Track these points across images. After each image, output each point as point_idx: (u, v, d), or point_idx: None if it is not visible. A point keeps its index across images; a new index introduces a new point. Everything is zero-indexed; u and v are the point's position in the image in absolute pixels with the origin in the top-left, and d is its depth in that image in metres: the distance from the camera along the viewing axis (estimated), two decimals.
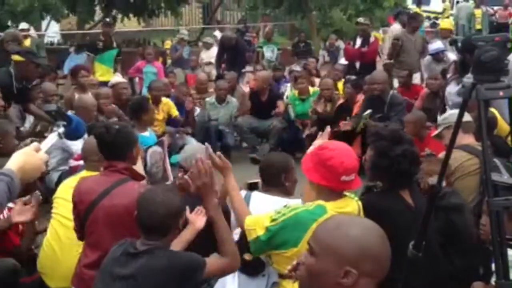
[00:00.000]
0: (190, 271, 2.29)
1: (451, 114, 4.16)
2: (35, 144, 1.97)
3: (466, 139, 3.84)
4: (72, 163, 4.90)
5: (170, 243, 2.38)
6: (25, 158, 1.84)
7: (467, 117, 3.84)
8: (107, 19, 9.60)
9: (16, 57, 5.31)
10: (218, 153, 2.69)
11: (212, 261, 2.39)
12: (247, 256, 2.83)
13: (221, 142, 7.29)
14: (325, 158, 2.43)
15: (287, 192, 3.03)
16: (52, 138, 2.23)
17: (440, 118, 4.53)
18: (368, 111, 5.98)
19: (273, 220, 2.43)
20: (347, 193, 2.55)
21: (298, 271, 1.65)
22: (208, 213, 2.45)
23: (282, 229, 2.41)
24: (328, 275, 1.38)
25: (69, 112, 4.99)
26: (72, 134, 2.41)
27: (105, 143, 2.88)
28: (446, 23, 8.90)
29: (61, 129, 2.30)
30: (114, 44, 9.00)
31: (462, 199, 3.25)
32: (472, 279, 2.76)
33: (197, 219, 2.77)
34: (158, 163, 4.71)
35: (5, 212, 3.13)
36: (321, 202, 2.44)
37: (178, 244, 2.59)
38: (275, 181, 3.03)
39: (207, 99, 7.56)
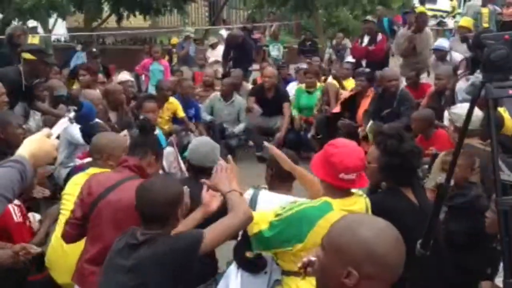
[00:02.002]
0: (190, 252, 2.31)
1: (460, 114, 4.12)
2: (46, 129, 1.98)
3: (469, 140, 3.85)
4: (78, 161, 4.92)
5: (169, 231, 2.39)
6: (37, 144, 1.84)
7: (474, 124, 3.87)
8: (93, 50, 9.42)
9: (27, 55, 5.31)
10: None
11: (211, 229, 2.34)
12: (248, 254, 2.84)
13: (224, 140, 7.30)
14: (329, 155, 2.46)
15: (291, 189, 3.05)
16: (63, 123, 2.23)
17: (455, 108, 4.46)
18: (370, 122, 5.99)
19: (277, 215, 2.45)
20: (354, 191, 2.56)
21: (310, 267, 1.66)
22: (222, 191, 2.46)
23: (287, 225, 2.42)
24: (333, 272, 1.39)
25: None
26: (82, 119, 2.42)
27: (135, 134, 3.01)
28: (465, 21, 8.70)
29: (72, 114, 2.31)
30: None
31: (487, 201, 3.25)
32: (479, 278, 2.75)
33: (211, 203, 2.65)
34: (174, 163, 4.76)
35: (13, 208, 3.14)
36: (327, 198, 2.45)
37: (186, 223, 2.57)
38: (285, 175, 3.03)
39: (213, 94, 7.57)
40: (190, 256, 2.30)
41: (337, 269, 1.38)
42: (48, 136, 1.91)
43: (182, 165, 4.84)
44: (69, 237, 2.96)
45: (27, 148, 1.82)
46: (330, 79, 7.82)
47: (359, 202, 2.53)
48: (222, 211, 2.50)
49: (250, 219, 2.39)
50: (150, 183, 2.40)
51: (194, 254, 2.30)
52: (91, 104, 4.56)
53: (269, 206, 2.78)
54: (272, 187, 3.05)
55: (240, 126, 7.31)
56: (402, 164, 2.81)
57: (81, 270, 2.84)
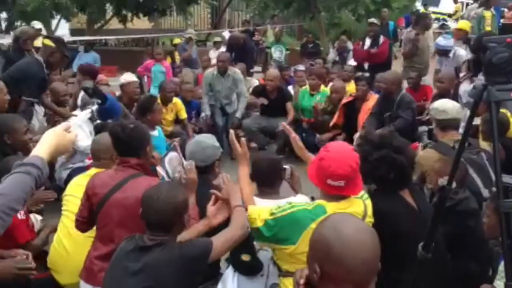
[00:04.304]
0: (200, 259, 2.34)
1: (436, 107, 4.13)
2: (65, 123, 1.99)
3: (445, 136, 3.86)
4: (87, 162, 4.91)
5: (176, 237, 2.41)
6: (56, 139, 1.85)
7: (446, 115, 3.88)
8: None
9: (46, 41, 5.35)
10: (243, 139, 2.82)
11: (217, 238, 2.43)
12: (244, 257, 2.85)
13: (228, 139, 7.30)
14: (320, 158, 2.44)
15: (278, 193, 3.04)
16: (85, 115, 2.23)
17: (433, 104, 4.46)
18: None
19: (272, 214, 2.45)
20: None
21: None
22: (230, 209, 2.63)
23: (280, 225, 2.43)
24: (309, 267, 1.45)
25: None
26: (105, 113, 2.41)
27: (120, 141, 2.94)
28: (463, 24, 8.73)
29: (95, 107, 2.31)
30: None
31: (476, 203, 3.24)
32: (482, 281, 2.75)
33: (216, 216, 2.75)
34: (177, 168, 4.75)
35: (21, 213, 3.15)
36: (321, 202, 2.45)
37: (189, 234, 2.61)
38: (271, 181, 3.03)
39: (209, 70, 7.58)
40: (200, 263, 2.33)
41: (311, 265, 1.43)
42: (67, 129, 1.92)
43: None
44: (81, 230, 3.06)
45: (46, 146, 1.81)
46: (336, 81, 7.75)
47: (355, 204, 2.49)
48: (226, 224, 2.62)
49: (246, 233, 2.57)
50: (156, 191, 2.39)
51: (203, 262, 2.34)
52: (115, 99, 4.50)
53: None
54: (258, 191, 3.04)
55: (241, 107, 7.28)
56: (371, 171, 2.76)
57: (90, 266, 2.87)
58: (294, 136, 3.03)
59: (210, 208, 2.77)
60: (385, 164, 2.75)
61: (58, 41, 5.50)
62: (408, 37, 8.47)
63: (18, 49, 6.73)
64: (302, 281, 1.82)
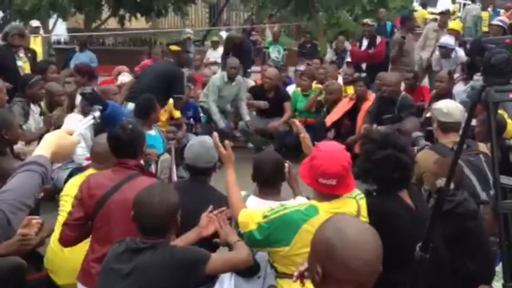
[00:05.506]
0: (194, 265, 2.31)
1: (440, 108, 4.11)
2: (67, 127, 1.98)
3: (446, 137, 3.85)
4: (85, 162, 4.90)
5: (169, 240, 2.40)
6: (58, 141, 1.82)
7: (450, 117, 3.88)
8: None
9: (174, 47, 5.89)
10: (226, 142, 2.79)
11: (218, 256, 2.43)
12: None
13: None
14: (311, 157, 2.46)
15: (279, 194, 3.02)
16: (87, 121, 2.21)
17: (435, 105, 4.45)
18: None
19: (265, 216, 2.45)
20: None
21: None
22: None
23: (273, 227, 2.43)
24: (311, 268, 1.45)
25: None
26: (109, 119, 2.38)
27: (122, 142, 2.91)
28: (455, 24, 8.82)
29: (97, 113, 2.29)
30: None
31: (475, 205, 3.22)
32: (481, 282, 2.75)
33: (207, 227, 2.76)
34: (165, 170, 4.75)
35: None
36: (314, 202, 2.46)
37: (180, 241, 2.62)
38: (274, 182, 3.01)
39: (218, 74, 7.57)
40: (195, 270, 2.30)
41: (313, 265, 1.43)
42: (70, 133, 1.90)
43: (174, 175, 4.84)
44: (66, 240, 2.94)
45: (47, 146, 1.79)
46: (334, 83, 7.73)
47: (348, 204, 2.49)
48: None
49: (250, 261, 2.57)
50: (148, 195, 2.35)
51: (199, 269, 2.31)
52: (116, 104, 4.51)
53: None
54: (259, 192, 3.02)
55: (246, 111, 7.27)
56: (373, 171, 2.75)
57: (88, 269, 2.84)
58: (303, 135, 2.98)
59: (203, 217, 2.77)
60: (389, 163, 2.73)
61: (180, 43, 6.16)
62: (395, 40, 8.44)
63: (8, 46, 6.76)
64: (296, 273, 1.83)
